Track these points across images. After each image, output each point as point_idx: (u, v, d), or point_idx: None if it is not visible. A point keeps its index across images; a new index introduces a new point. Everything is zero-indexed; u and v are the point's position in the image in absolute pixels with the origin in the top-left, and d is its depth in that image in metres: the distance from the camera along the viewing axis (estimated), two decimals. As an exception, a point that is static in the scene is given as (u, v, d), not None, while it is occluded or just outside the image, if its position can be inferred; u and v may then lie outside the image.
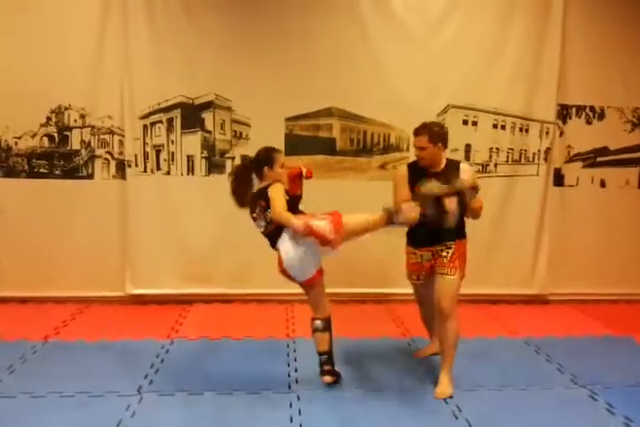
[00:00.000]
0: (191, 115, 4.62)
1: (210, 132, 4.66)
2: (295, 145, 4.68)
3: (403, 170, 3.28)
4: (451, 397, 3.04)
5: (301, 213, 3.06)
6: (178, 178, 4.67)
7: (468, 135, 4.79)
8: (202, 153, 4.68)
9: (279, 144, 4.62)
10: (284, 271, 3.17)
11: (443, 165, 3.13)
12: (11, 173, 4.58)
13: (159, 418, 2.83)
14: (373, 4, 4.58)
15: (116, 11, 4.42)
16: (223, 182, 4.64)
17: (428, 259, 3.23)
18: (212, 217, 4.66)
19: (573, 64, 4.76)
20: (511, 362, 3.59)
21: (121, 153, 4.62)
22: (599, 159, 4.93)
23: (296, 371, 3.40)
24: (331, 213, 2.99)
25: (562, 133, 4.85)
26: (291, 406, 2.97)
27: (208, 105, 4.62)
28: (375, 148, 4.78)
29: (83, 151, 4.63)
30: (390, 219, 2.98)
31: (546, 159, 4.85)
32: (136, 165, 4.61)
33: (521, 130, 4.81)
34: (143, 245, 4.65)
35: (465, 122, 4.78)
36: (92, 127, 4.59)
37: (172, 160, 4.67)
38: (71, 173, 4.63)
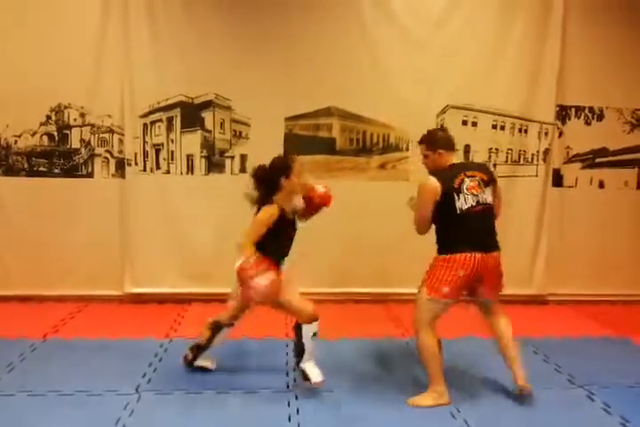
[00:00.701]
0: (191, 114, 4.62)
1: (209, 131, 4.67)
2: (295, 145, 4.67)
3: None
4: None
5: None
6: (177, 177, 4.68)
7: (467, 136, 4.79)
8: (201, 152, 4.69)
9: (279, 144, 4.65)
10: None
11: None
12: (10, 171, 4.59)
13: (157, 417, 2.83)
14: (373, 4, 4.59)
15: (117, 10, 4.43)
16: (222, 181, 4.71)
17: None
18: (211, 216, 4.67)
19: (573, 65, 4.77)
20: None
21: (120, 152, 4.63)
22: (598, 160, 4.94)
23: (294, 370, 3.39)
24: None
25: (561, 134, 4.86)
26: (289, 404, 2.97)
27: (208, 104, 4.62)
28: (375, 148, 4.78)
29: (82, 150, 4.63)
30: None
31: (545, 160, 4.86)
32: (136, 164, 4.62)
33: (520, 130, 4.82)
34: (142, 244, 4.66)
35: (464, 122, 4.79)
36: (92, 126, 4.60)
37: (172, 159, 4.67)
38: (71, 172, 4.63)
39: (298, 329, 3.12)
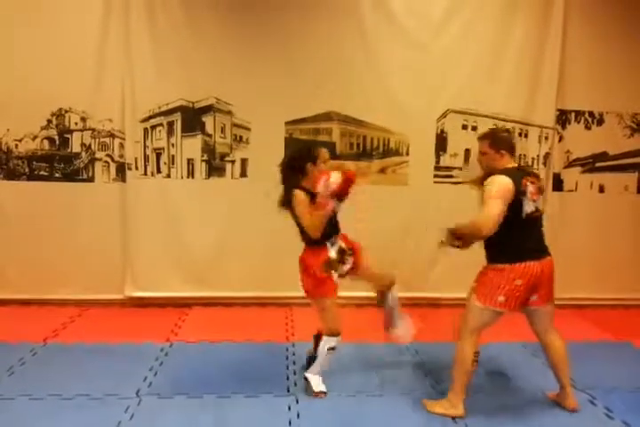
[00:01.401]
0: (192, 118, 4.63)
1: (210, 135, 4.68)
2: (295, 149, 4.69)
3: None
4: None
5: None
6: (178, 181, 4.68)
7: (467, 140, 4.79)
8: (202, 156, 4.69)
9: (279, 148, 4.66)
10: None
11: None
12: (11, 175, 4.59)
13: (158, 421, 2.83)
14: (373, 8, 4.60)
15: (118, 14, 4.44)
16: (223, 186, 4.72)
17: None
18: (211, 220, 4.68)
19: (573, 69, 4.77)
20: (509, 366, 3.60)
21: (121, 156, 4.64)
22: (598, 164, 4.95)
23: (295, 374, 3.40)
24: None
25: (561, 138, 4.87)
26: (289, 409, 2.97)
27: (208, 109, 4.63)
28: (375, 152, 4.79)
29: (83, 154, 4.64)
30: None
31: (545, 164, 4.86)
32: (136, 168, 4.62)
33: (520, 135, 4.82)
34: (143, 248, 4.66)
35: (464, 127, 4.80)
36: (93, 130, 4.61)
37: (173, 163, 4.68)
38: (71, 176, 4.64)
39: (317, 339, 3.16)
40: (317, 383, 3.12)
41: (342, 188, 2.90)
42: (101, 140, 4.64)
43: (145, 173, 4.65)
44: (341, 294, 4.78)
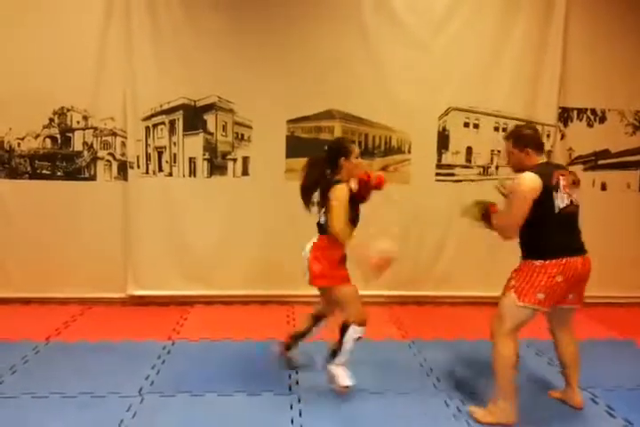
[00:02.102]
0: (193, 117, 4.63)
1: (212, 133, 4.68)
2: (297, 147, 4.69)
3: None
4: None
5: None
6: (180, 179, 4.69)
7: (469, 138, 4.80)
8: (204, 155, 4.69)
9: (281, 146, 4.67)
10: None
11: None
12: (13, 174, 4.60)
13: (160, 419, 2.83)
14: (375, 6, 4.59)
15: (119, 13, 4.44)
16: (225, 184, 4.72)
17: None
18: (213, 219, 4.68)
19: (575, 67, 4.76)
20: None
21: (123, 155, 4.64)
22: (600, 162, 4.94)
23: (297, 373, 3.40)
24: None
25: (563, 136, 4.86)
26: (291, 407, 2.97)
27: (210, 107, 4.63)
28: (377, 150, 4.78)
29: (85, 153, 4.64)
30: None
31: (547, 162, 4.85)
32: (138, 167, 4.63)
33: (522, 133, 4.81)
34: (145, 247, 4.66)
35: (466, 124, 4.79)
36: (95, 129, 4.61)
37: (174, 162, 4.68)
38: (73, 175, 4.64)
39: (344, 329, 3.08)
40: (344, 376, 3.06)
41: (362, 191, 3.01)
42: (103, 138, 4.64)
43: (147, 172, 4.66)
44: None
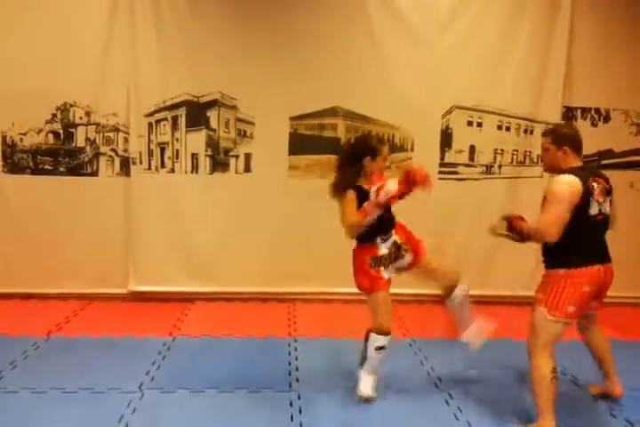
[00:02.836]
0: (196, 113, 4.62)
1: (214, 130, 4.67)
2: (299, 144, 4.68)
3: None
4: None
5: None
6: (182, 176, 4.68)
7: (472, 136, 4.78)
8: (206, 151, 4.68)
9: (283, 143, 4.66)
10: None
11: None
12: (16, 169, 4.60)
13: (160, 415, 2.84)
14: (380, 4, 4.57)
15: (123, 9, 4.43)
16: (227, 180, 4.71)
17: None
18: (215, 215, 4.68)
19: (579, 66, 4.74)
20: (513, 364, 3.59)
21: (125, 150, 4.63)
22: (604, 162, 4.91)
23: (297, 370, 3.40)
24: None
25: (567, 135, 4.83)
26: (291, 404, 2.97)
27: (213, 103, 4.62)
28: (379, 148, 4.76)
29: (87, 148, 4.64)
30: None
31: (550, 161, 4.84)
32: (140, 163, 4.62)
33: (526, 131, 4.80)
34: (146, 243, 4.66)
35: (470, 123, 4.77)
36: (97, 124, 4.60)
37: (177, 158, 4.68)
38: (76, 170, 4.64)
39: (367, 337, 3.02)
40: (366, 385, 2.98)
41: (401, 192, 2.78)
42: (106, 134, 4.64)
43: (149, 168, 4.65)
44: (345, 290, 4.81)
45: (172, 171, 4.68)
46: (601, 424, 2.89)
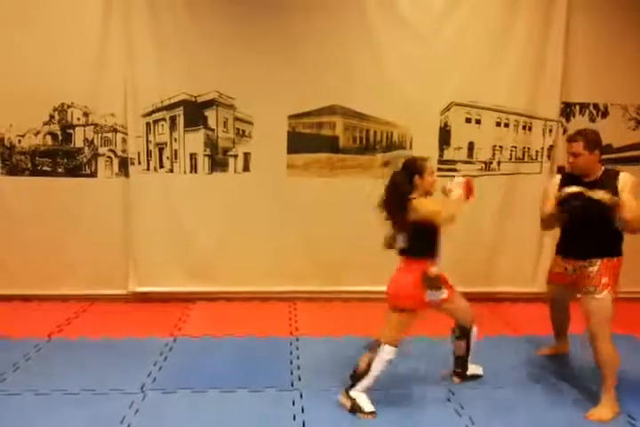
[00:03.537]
0: (194, 113, 4.61)
1: (213, 129, 4.66)
2: (298, 143, 4.68)
3: (556, 178, 3.22)
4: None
5: None
6: (181, 176, 4.67)
7: (471, 133, 4.78)
8: (205, 151, 4.68)
9: (282, 142, 4.65)
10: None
11: (599, 174, 3.00)
12: (14, 170, 4.59)
13: (162, 415, 2.84)
14: (377, 2, 4.56)
15: (119, 9, 4.41)
16: (226, 180, 4.71)
17: (571, 272, 3.16)
18: (214, 215, 4.67)
19: (577, 62, 4.73)
20: (514, 360, 3.60)
21: (124, 151, 4.63)
22: (603, 157, 4.89)
23: (299, 369, 3.41)
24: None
25: (565, 131, 4.82)
26: (293, 403, 2.98)
27: (211, 103, 4.61)
28: (378, 145, 4.77)
29: (86, 149, 4.63)
30: None
31: (549, 157, 4.83)
32: (139, 163, 4.62)
33: (524, 128, 4.79)
34: (146, 243, 4.66)
35: (468, 120, 4.77)
36: (95, 125, 4.59)
37: (175, 158, 4.67)
38: (74, 171, 4.63)
39: (373, 350, 2.98)
40: (366, 403, 2.91)
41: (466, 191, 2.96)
42: (104, 135, 4.63)
43: (148, 168, 4.64)
44: (345, 288, 4.81)
45: (171, 171, 4.67)
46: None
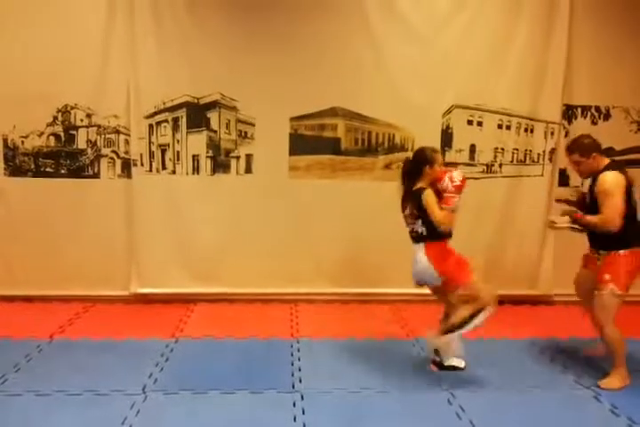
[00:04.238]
0: (197, 114, 4.63)
1: (215, 131, 4.68)
2: (300, 145, 4.69)
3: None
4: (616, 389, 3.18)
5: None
6: (183, 177, 4.69)
7: (472, 135, 4.78)
8: (207, 152, 4.69)
9: (284, 144, 4.67)
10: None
11: (599, 170, 3.19)
12: (17, 172, 4.61)
13: (164, 417, 2.84)
14: (379, 4, 4.57)
15: (123, 11, 4.44)
16: (228, 182, 4.72)
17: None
18: (217, 216, 4.69)
19: (579, 64, 4.73)
20: (515, 363, 3.59)
21: (126, 152, 4.64)
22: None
23: (300, 370, 3.40)
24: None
25: (567, 134, 4.83)
26: (294, 405, 2.97)
27: (213, 105, 4.63)
28: (380, 148, 4.77)
29: (89, 150, 4.65)
30: None
31: (551, 160, 4.83)
32: (141, 165, 4.63)
33: (526, 130, 4.80)
34: (149, 245, 4.67)
35: (470, 122, 4.77)
36: (98, 126, 4.61)
37: (178, 159, 4.68)
38: (77, 173, 4.65)
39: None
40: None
41: (464, 184, 3.13)
42: (107, 136, 4.65)
43: (150, 170, 4.66)
44: (347, 290, 4.81)
45: (174, 172, 4.68)
46: (603, 422, 2.89)
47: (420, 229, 3.16)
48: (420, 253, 3.18)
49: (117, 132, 4.63)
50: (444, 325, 3.23)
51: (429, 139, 4.74)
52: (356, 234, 4.69)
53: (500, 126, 4.78)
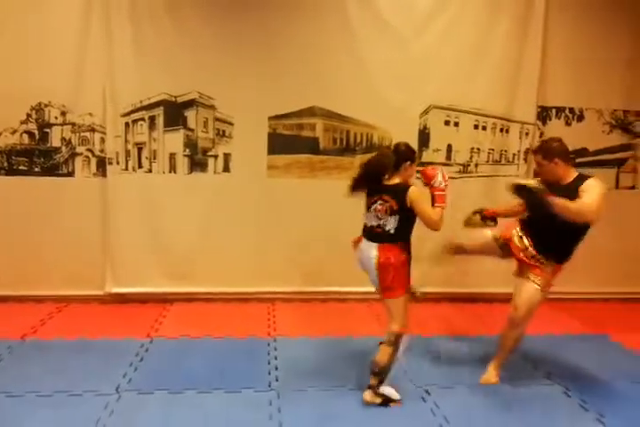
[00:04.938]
0: (174, 113, 4.59)
1: (192, 130, 4.65)
2: (278, 144, 4.68)
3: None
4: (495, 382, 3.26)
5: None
6: (160, 176, 4.65)
7: (449, 136, 4.83)
8: (184, 151, 4.66)
9: (262, 143, 4.66)
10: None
11: (570, 180, 3.09)
12: (-11, 170, 4.53)
13: (138, 417, 2.82)
14: (359, 4, 4.59)
15: (99, 8, 4.38)
16: (205, 181, 4.70)
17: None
18: (193, 215, 4.66)
19: (554, 66, 4.81)
20: (488, 359, 3.63)
21: (102, 151, 4.59)
22: (578, 160, 4.97)
23: (276, 369, 3.40)
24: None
25: (542, 134, 4.90)
26: (270, 404, 2.98)
27: (191, 103, 4.60)
28: (358, 147, 4.79)
29: (63, 148, 4.58)
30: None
31: (526, 160, 4.90)
32: (117, 163, 4.58)
33: (501, 131, 4.86)
34: (124, 244, 4.62)
35: (447, 122, 4.82)
36: (73, 124, 4.55)
37: (154, 158, 4.64)
38: (51, 171, 4.58)
39: (395, 343, 2.99)
40: (393, 393, 3.02)
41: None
42: (82, 134, 4.59)
43: (126, 168, 4.61)
44: (324, 289, 4.82)
45: (150, 171, 4.64)
46: (573, 417, 2.94)
47: (390, 226, 2.97)
48: (374, 251, 3.00)
49: (93, 130, 4.57)
50: (372, 375, 3.00)
51: (407, 139, 4.69)
52: (334, 233, 4.68)
53: (476, 127, 4.84)
